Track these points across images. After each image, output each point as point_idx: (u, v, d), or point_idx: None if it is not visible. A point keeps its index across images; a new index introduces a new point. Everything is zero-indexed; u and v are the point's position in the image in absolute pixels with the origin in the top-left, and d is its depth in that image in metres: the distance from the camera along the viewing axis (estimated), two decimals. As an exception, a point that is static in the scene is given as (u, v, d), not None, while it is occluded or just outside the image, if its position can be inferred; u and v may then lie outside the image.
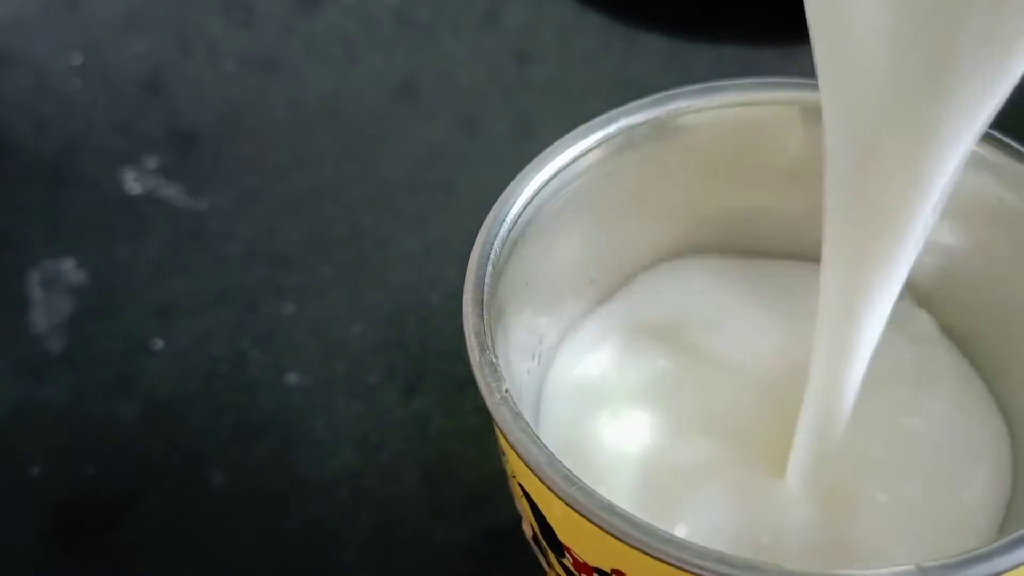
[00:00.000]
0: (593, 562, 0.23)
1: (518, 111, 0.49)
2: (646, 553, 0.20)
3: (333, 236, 0.44)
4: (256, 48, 0.52)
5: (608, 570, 0.23)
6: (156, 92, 0.50)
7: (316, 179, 0.46)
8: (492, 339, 0.23)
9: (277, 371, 0.40)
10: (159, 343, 0.41)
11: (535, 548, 0.25)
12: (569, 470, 0.21)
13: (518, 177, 0.26)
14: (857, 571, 0.21)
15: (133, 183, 0.46)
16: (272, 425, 0.39)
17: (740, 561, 0.20)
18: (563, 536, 0.23)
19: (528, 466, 0.22)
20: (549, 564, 0.25)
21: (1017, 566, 0.20)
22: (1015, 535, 0.20)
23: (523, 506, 0.25)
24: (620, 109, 0.27)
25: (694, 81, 0.28)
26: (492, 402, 0.22)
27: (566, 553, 0.24)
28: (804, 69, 0.49)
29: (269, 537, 0.36)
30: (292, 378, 0.40)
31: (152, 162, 0.47)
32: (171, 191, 0.46)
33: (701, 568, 0.20)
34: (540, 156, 0.27)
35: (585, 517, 0.21)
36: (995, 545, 0.20)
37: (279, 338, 0.41)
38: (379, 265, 0.43)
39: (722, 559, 0.20)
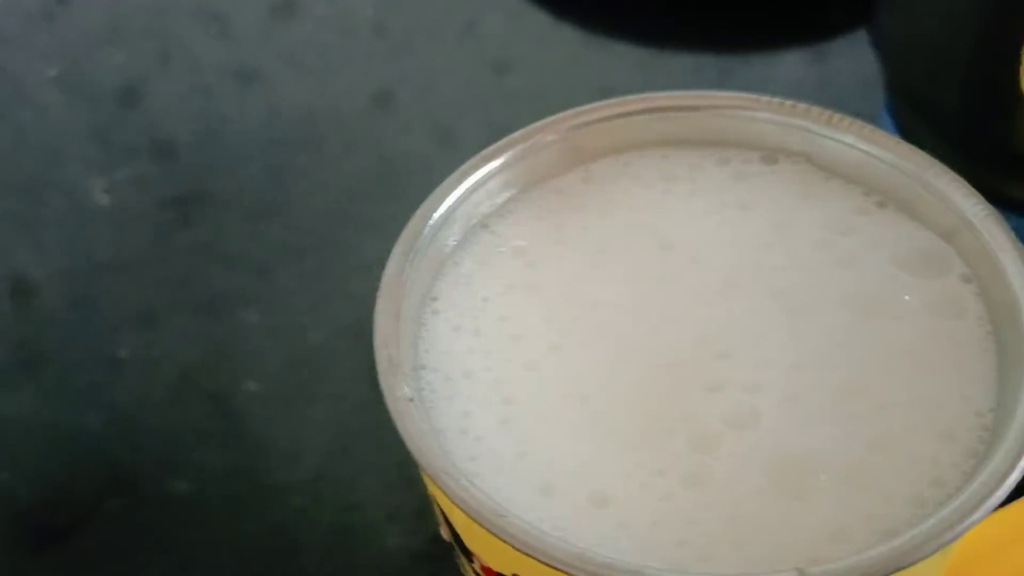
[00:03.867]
0: (496, 567, 0.23)
1: (495, 121, 0.49)
2: (540, 560, 0.21)
3: (300, 245, 0.45)
4: (233, 59, 0.52)
5: (509, 575, 0.23)
6: (133, 103, 0.50)
7: (287, 189, 0.47)
8: (400, 345, 0.24)
9: (240, 379, 0.41)
10: (124, 352, 0.42)
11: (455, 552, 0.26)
12: (467, 478, 0.22)
13: (441, 186, 0.27)
14: (736, 572, 0.21)
15: (103, 193, 0.47)
16: (234, 433, 0.39)
17: (632, 566, 0.20)
18: (467, 542, 0.24)
19: (427, 473, 0.22)
20: (465, 569, 0.26)
21: (899, 569, 0.20)
22: (897, 543, 0.20)
23: (437, 511, 0.25)
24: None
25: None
26: (395, 411, 0.23)
27: (473, 558, 0.24)
28: (783, 75, 0.50)
29: (230, 543, 0.37)
30: (254, 386, 0.41)
31: (124, 172, 0.48)
32: (141, 201, 0.47)
33: (587, 574, 0.20)
34: (464, 166, 0.27)
35: (479, 523, 0.21)
36: (876, 553, 0.20)
37: (242, 346, 0.42)
38: (343, 274, 0.43)
39: (608, 565, 0.20)
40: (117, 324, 0.43)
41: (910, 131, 0.39)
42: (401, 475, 0.37)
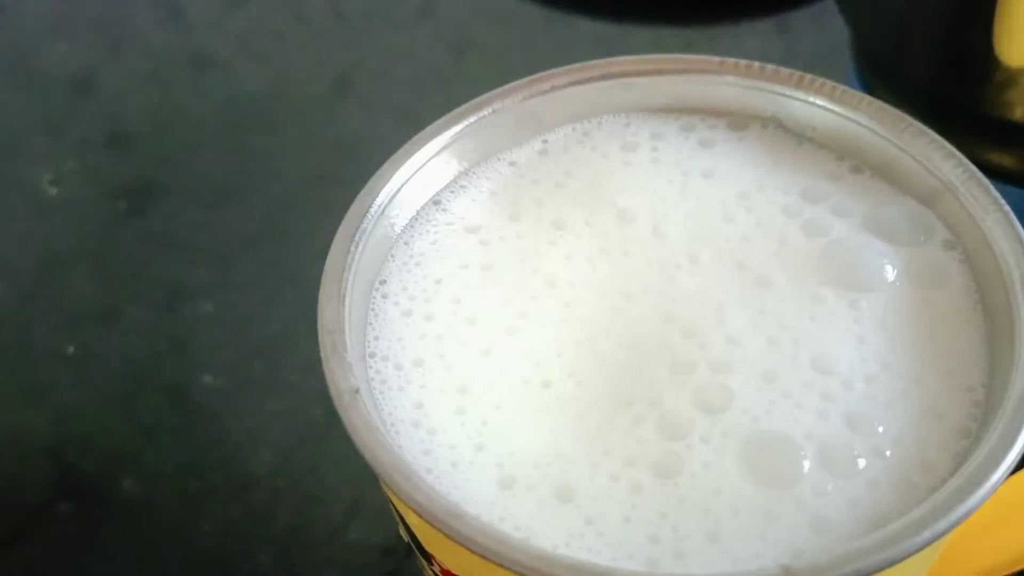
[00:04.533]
0: (456, 571, 0.22)
1: (456, 102, 0.48)
2: (501, 565, 0.19)
3: (255, 233, 0.43)
4: (187, 46, 0.51)
5: (470, 578, 0.21)
6: (86, 93, 0.49)
7: (243, 176, 0.45)
8: (346, 332, 0.22)
9: (194, 373, 0.39)
10: (73, 348, 0.40)
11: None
12: (420, 476, 0.20)
13: (381, 169, 0.25)
14: (722, 572, 0.20)
15: (51, 185, 0.45)
16: (188, 428, 0.38)
17: (600, 569, 0.19)
18: (425, 544, 0.22)
19: (375, 472, 0.20)
20: (426, 572, 0.24)
21: (887, 566, 0.18)
22: (885, 533, 0.19)
23: (393, 509, 0.23)
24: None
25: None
26: (340, 404, 0.21)
27: (433, 561, 0.23)
28: (747, 47, 0.49)
29: (183, 543, 0.36)
30: (209, 379, 0.39)
31: (75, 163, 0.46)
32: (92, 192, 0.45)
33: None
34: (411, 141, 0.26)
35: (432, 525, 0.20)
36: (864, 544, 0.19)
37: (197, 339, 0.40)
38: (300, 262, 0.41)
39: (575, 567, 0.19)
40: (65, 319, 0.41)
41: (879, 100, 0.37)
42: (361, 466, 0.36)
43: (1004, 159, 0.35)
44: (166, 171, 0.46)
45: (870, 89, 0.38)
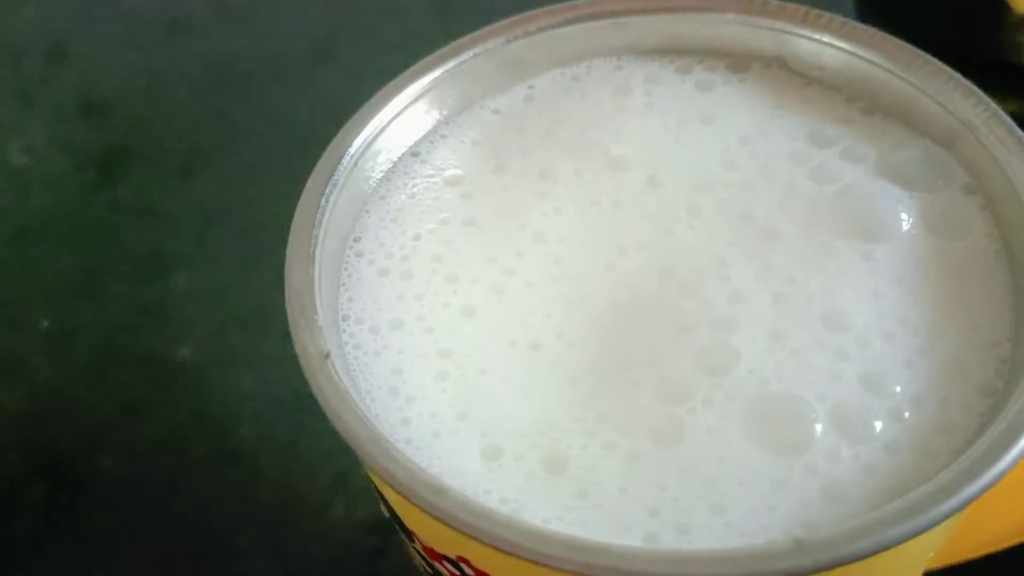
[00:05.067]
0: (440, 549, 0.20)
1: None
2: (485, 542, 0.17)
3: (227, 202, 0.41)
4: (163, 10, 0.49)
5: (454, 557, 0.20)
6: (59, 60, 0.47)
7: (218, 143, 0.43)
8: (316, 294, 0.20)
9: (169, 346, 0.37)
10: (46, 322, 0.38)
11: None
12: (397, 447, 0.18)
13: (353, 117, 0.23)
14: (728, 548, 0.18)
15: (19, 154, 0.43)
16: (164, 404, 0.36)
17: (595, 545, 0.17)
18: (405, 520, 0.21)
19: (348, 443, 0.19)
20: (409, 550, 0.22)
21: (910, 538, 0.17)
22: (901, 504, 0.17)
23: (373, 486, 0.22)
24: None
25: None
26: (309, 370, 0.19)
27: (415, 538, 0.21)
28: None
29: (161, 522, 0.34)
30: (186, 352, 0.37)
31: (45, 133, 0.44)
32: (62, 162, 0.43)
33: (543, 556, 0.17)
34: (385, 88, 0.24)
35: (410, 500, 0.18)
36: (883, 515, 0.17)
37: (172, 311, 0.38)
38: (277, 230, 0.40)
39: (567, 543, 0.17)
40: (38, 292, 0.39)
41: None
42: (343, 441, 0.34)
43: (1010, 106, 0.33)
44: (140, 139, 0.44)
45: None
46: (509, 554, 0.17)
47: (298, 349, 0.20)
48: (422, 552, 0.21)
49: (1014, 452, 0.17)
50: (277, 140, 0.44)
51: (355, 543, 0.33)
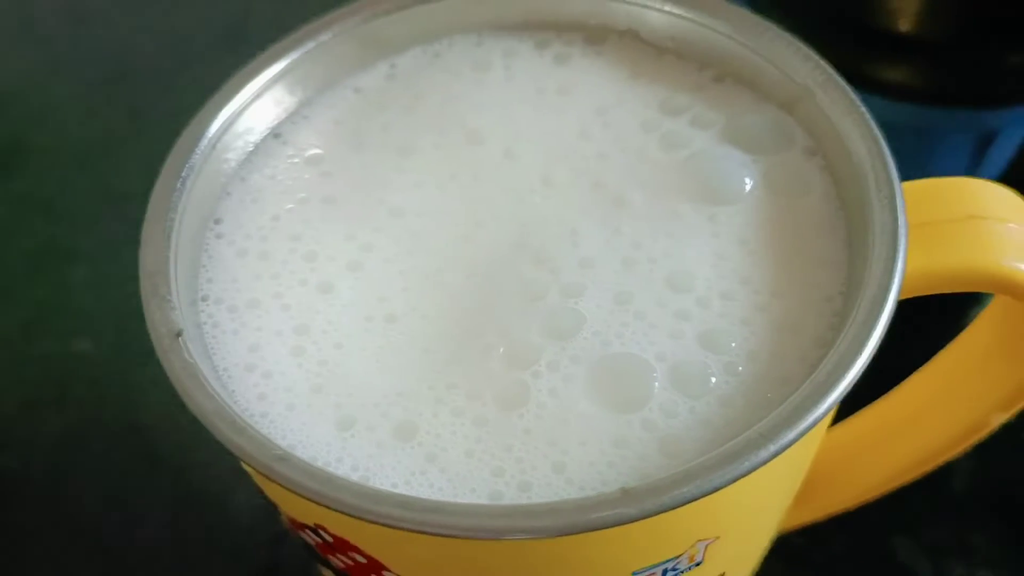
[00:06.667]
0: (299, 518, 0.20)
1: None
2: (328, 507, 0.18)
3: (127, 191, 0.41)
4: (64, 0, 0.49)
5: (312, 525, 0.20)
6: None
7: (116, 131, 0.43)
8: (171, 274, 0.21)
9: (69, 339, 0.37)
10: (-65, 320, 0.38)
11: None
12: (246, 420, 0.19)
13: (215, 96, 0.23)
14: (556, 500, 0.18)
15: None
16: (64, 399, 0.36)
17: (419, 503, 0.18)
18: (268, 493, 0.21)
19: (197, 417, 0.19)
20: (283, 522, 0.23)
21: (731, 482, 0.17)
22: (723, 451, 0.17)
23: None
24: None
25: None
26: (160, 349, 0.20)
27: (279, 509, 0.21)
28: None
29: (64, 519, 0.34)
30: (85, 345, 0.37)
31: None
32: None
33: (381, 516, 0.17)
34: (242, 71, 0.24)
35: (254, 468, 0.18)
36: (705, 461, 0.17)
37: (70, 304, 0.38)
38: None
39: (403, 503, 0.17)
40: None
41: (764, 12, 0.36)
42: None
43: (892, 73, 0.34)
44: (37, 130, 0.44)
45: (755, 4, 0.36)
46: (353, 517, 0.18)
47: (150, 328, 0.20)
48: (287, 523, 0.21)
49: (833, 396, 0.18)
50: (179, 131, 0.43)
51: (258, 528, 0.33)
